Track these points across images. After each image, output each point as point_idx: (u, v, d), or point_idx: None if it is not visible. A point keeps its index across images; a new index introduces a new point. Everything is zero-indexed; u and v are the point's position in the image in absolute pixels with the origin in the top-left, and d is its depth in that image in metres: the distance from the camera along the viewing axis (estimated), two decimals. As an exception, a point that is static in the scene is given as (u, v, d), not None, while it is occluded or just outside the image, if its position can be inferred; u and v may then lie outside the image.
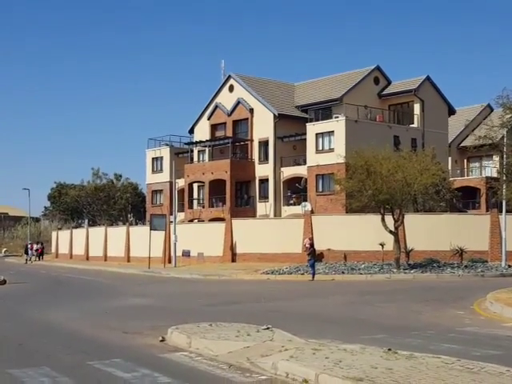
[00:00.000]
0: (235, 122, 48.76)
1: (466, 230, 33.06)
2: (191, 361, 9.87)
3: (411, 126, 45.46)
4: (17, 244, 75.05)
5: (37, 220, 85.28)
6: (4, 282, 29.06)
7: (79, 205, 68.45)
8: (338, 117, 42.44)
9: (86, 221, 63.41)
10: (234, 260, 38.85)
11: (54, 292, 25.13)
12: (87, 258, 52.57)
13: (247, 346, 10.29)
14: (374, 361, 8.80)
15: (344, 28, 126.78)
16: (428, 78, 46.65)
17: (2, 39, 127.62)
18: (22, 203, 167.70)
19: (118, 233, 49.99)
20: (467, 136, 51.78)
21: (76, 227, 61.72)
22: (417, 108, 45.87)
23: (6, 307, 19.49)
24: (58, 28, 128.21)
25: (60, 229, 63.43)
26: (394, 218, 29.61)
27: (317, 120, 43.86)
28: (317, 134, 42.73)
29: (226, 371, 9.12)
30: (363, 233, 33.87)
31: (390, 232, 29.34)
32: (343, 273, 29.07)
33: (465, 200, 45.20)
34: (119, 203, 65.86)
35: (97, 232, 53.24)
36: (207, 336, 11.13)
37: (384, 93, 46.96)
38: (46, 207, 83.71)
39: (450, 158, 48.80)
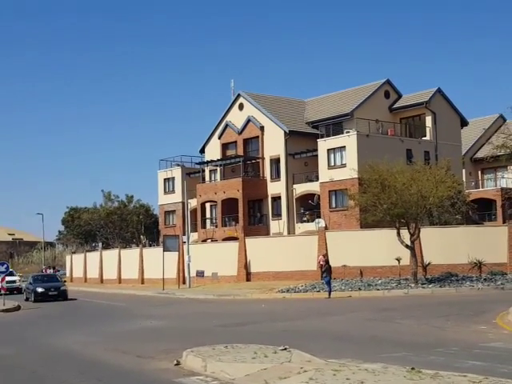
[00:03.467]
0: (246, 141, 48.62)
1: (483, 243, 32.50)
2: (207, 385, 9.55)
3: (423, 138, 45.06)
4: (32, 269, 74.94)
5: (51, 245, 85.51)
6: (18, 308, 28.89)
7: (93, 228, 68.49)
8: (349, 132, 42.19)
9: (100, 244, 63.37)
10: (248, 279, 38.46)
11: (68, 316, 24.89)
12: (102, 281, 52.37)
13: (264, 368, 9.95)
14: (398, 381, 8.44)
15: (353, 43, 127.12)
16: (439, 90, 46.35)
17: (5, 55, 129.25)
18: (36, 228, 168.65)
19: (131, 255, 49.79)
20: (481, 147, 51.38)
21: (90, 251, 61.71)
22: (429, 120, 45.51)
23: (19, 333, 19.27)
24: (73, 40, 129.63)
25: (74, 252, 63.47)
26: (409, 232, 29.19)
27: (328, 136, 43.61)
28: (328, 150, 42.46)
29: (243, 395, 8.79)
30: (379, 248, 33.42)
31: (407, 246, 28.93)
32: (360, 289, 28.62)
33: (481, 212, 44.57)
34: (132, 225, 65.81)
35: (110, 255, 53.07)
36: (223, 359, 10.80)
37: (395, 106, 46.69)
38: (60, 231, 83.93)
39: (464, 170, 48.28)
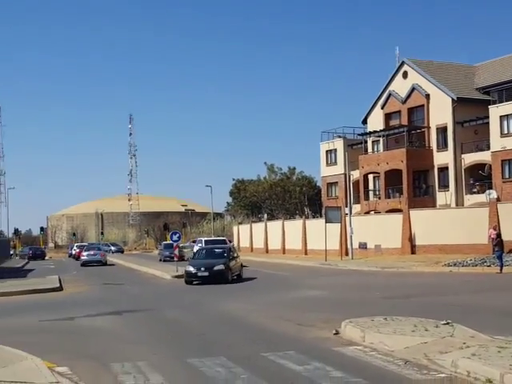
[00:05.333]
0: (410, 110, 47.10)
1: None
2: (365, 355, 9.54)
3: None
4: (203, 239, 79.38)
5: (220, 215, 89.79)
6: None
7: (258, 200, 70.69)
8: (524, 96, 39.16)
9: (265, 215, 65.31)
10: (413, 252, 37.50)
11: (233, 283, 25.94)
12: (267, 251, 54.12)
13: (425, 341, 9.70)
14: None
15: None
16: None
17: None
18: (207, 200, 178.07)
19: (294, 226, 50.78)
20: None
21: (255, 221, 63.87)
22: None
23: (192, 299, 20.49)
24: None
25: (241, 223, 66.05)
26: None
27: (501, 101, 40.85)
28: (501, 117, 39.80)
29: (401, 367, 8.67)
30: (558, 221, 30.80)
31: None
32: (536, 265, 26.62)
33: None
34: (295, 197, 66.92)
35: (274, 226, 54.57)
36: (382, 330, 10.69)
37: None
38: (228, 203, 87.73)
39: None
